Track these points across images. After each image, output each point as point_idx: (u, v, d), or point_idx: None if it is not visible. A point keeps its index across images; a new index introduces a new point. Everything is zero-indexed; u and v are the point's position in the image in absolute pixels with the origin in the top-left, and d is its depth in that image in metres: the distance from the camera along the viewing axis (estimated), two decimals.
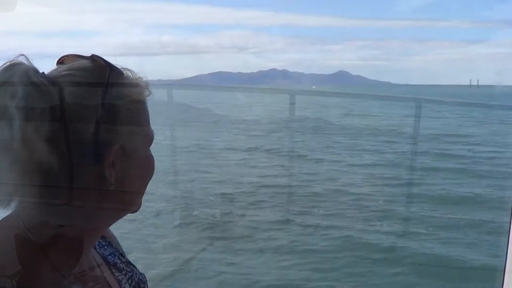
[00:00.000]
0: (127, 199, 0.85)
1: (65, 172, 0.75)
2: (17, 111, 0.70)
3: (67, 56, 0.83)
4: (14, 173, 0.72)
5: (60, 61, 0.83)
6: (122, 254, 1.02)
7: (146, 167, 0.87)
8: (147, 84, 0.85)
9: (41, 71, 0.77)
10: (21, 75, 0.72)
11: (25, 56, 0.76)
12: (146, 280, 1.01)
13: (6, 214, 0.80)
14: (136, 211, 0.87)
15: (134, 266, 1.02)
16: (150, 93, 0.85)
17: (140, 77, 0.84)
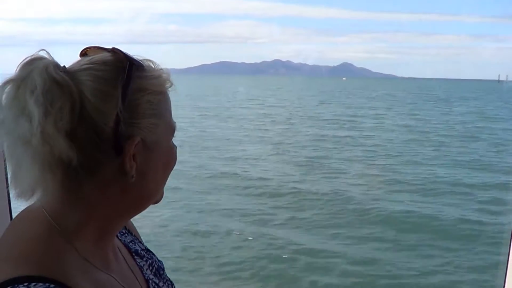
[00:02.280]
0: (149, 191, 0.84)
1: (86, 166, 0.75)
2: (36, 106, 0.69)
3: (89, 48, 0.83)
4: (35, 167, 0.71)
5: (83, 53, 0.82)
6: (141, 242, 1.03)
7: (168, 158, 0.86)
8: (168, 75, 0.84)
9: (62, 65, 0.76)
10: (41, 70, 0.71)
11: (46, 51, 0.75)
12: (164, 266, 1.02)
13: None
14: (158, 201, 0.88)
15: (153, 253, 1.02)
16: (172, 84, 0.84)
17: (161, 68, 0.83)
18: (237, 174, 12.54)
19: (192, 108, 33.15)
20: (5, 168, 0.75)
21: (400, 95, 63.14)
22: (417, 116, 30.97)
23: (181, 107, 31.86)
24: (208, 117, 28.40)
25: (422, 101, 50.50)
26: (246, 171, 12.92)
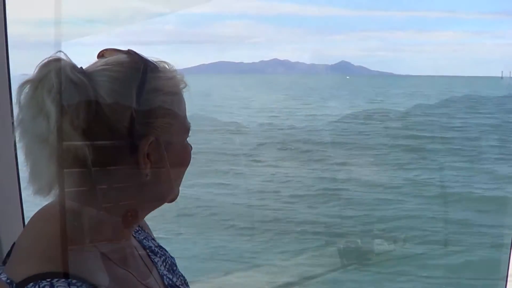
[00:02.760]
0: (164, 189, 0.86)
1: (102, 164, 0.76)
2: (53, 106, 0.71)
3: (106, 50, 0.84)
4: (52, 164, 0.73)
5: (101, 55, 0.84)
6: (154, 239, 1.05)
7: (182, 158, 0.87)
8: (182, 76, 0.85)
9: (79, 66, 0.78)
10: (58, 71, 0.73)
11: (63, 52, 0.77)
12: (176, 262, 1.04)
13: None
14: (173, 200, 0.88)
15: (165, 250, 1.05)
16: (186, 85, 0.86)
17: (175, 70, 0.85)
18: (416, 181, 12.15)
19: (258, 111, 32.71)
20: (17, 166, 0.78)
21: (432, 93, 62.85)
22: (493, 115, 30.45)
23: (249, 108, 31.50)
24: (283, 119, 27.99)
25: (463, 100, 50.20)
26: (422, 177, 12.53)
